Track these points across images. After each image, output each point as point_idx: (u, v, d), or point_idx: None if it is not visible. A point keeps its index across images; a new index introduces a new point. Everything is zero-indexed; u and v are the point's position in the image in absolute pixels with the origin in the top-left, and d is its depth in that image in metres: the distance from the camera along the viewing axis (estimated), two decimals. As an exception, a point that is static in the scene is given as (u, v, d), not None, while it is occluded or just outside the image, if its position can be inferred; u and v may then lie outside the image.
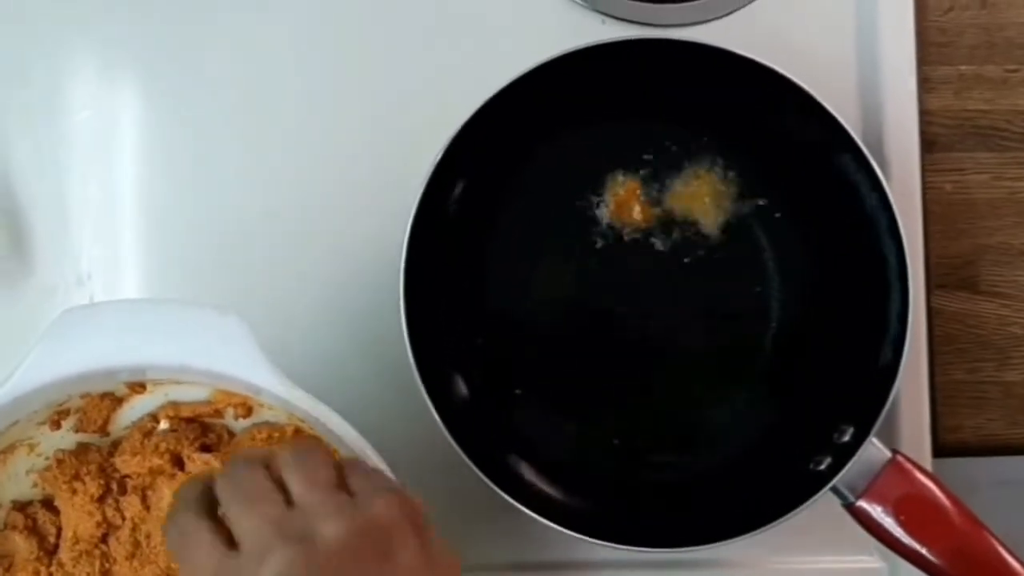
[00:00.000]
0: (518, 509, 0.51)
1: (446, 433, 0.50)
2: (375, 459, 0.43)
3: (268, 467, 0.38)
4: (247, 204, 0.58)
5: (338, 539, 0.35)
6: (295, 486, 0.37)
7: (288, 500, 0.36)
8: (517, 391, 0.56)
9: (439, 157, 0.51)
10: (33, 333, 0.56)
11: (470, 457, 0.50)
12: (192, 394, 0.47)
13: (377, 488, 0.38)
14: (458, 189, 0.53)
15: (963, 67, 0.61)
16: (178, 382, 0.47)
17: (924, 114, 0.59)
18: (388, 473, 0.43)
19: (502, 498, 0.51)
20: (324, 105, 0.58)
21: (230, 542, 0.36)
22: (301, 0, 0.59)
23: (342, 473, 0.38)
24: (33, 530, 0.47)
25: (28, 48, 0.58)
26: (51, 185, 0.58)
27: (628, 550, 0.50)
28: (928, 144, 0.60)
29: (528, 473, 0.55)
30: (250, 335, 0.43)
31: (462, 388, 0.55)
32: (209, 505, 0.37)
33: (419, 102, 0.58)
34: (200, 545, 0.36)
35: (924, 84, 0.60)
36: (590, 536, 0.51)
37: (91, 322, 0.43)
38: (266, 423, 0.48)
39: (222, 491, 0.37)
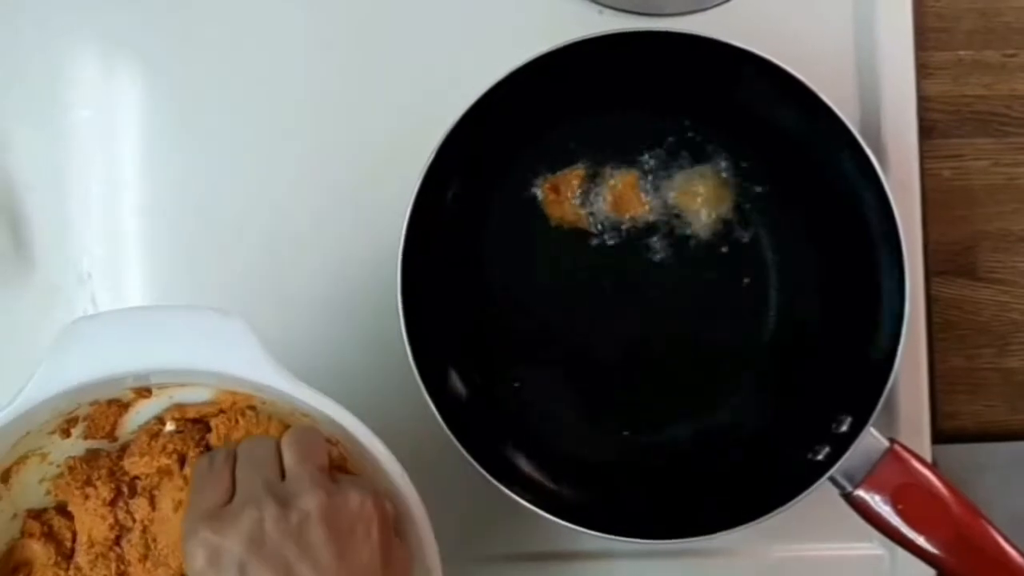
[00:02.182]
0: (516, 501, 0.51)
1: (445, 428, 0.51)
2: (383, 451, 0.45)
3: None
4: (246, 201, 0.58)
5: (310, 510, 0.40)
6: (288, 460, 0.42)
7: (283, 473, 0.42)
8: (516, 384, 0.56)
9: (434, 153, 0.51)
10: (35, 332, 0.57)
11: (469, 451, 0.50)
12: (196, 396, 0.48)
13: (356, 483, 0.43)
14: (455, 184, 0.53)
15: (961, 52, 0.61)
16: (182, 385, 0.47)
17: (922, 100, 0.59)
18: (396, 464, 0.45)
19: (500, 490, 0.51)
20: (323, 101, 0.58)
21: (232, 495, 0.42)
22: (299, 5, 0.58)
23: (331, 464, 0.44)
24: (49, 536, 0.48)
25: (28, 46, 0.58)
26: (52, 184, 0.58)
27: (627, 542, 0.51)
28: (926, 130, 0.60)
29: (527, 466, 0.55)
30: (253, 336, 0.44)
31: (459, 382, 0.55)
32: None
33: (415, 96, 0.58)
34: (214, 485, 0.42)
35: (922, 70, 0.60)
36: (589, 528, 0.51)
37: (95, 332, 0.44)
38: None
39: (240, 452, 0.43)
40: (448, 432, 0.51)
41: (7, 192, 0.58)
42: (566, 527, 0.51)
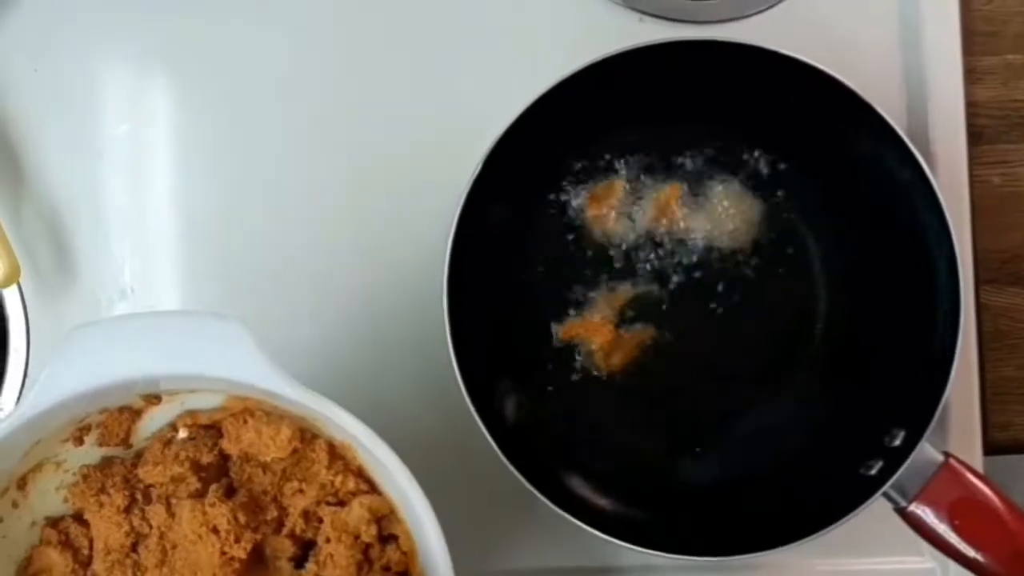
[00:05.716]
0: (563, 516, 0.51)
1: (493, 444, 0.50)
2: (387, 451, 0.43)
3: None
4: (285, 214, 0.58)
5: None
6: None
7: None
8: (549, 388, 0.55)
9: (478, 168, 0.51)
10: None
11: (518, 468, 0.50)
12: (207, 401, 0.48)
13: None
14: (498, 197, 0.52)
15: (1010, 56, 0.60)
16: (192, 391, 0.47)
17: (970, 106, 0.58)
18: (404, 469, 0.43)
19: (549, 506, 0.50)
20: (364, 115, 0.58)
21: None
22: (337, 14, 0.58)
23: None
24: (67, 544, 0.48)
25: (64, 63, 0.58)
26: (93, 198, 0.58)
27: (674, 558, 0.50)
28: (975, 136, 0.59)
29: (575, 482, 0.54)
30: (252, 339, 0.43)
31: (506, 397, 0.55)
32: None
33: (457, 111, 0.57)
34: None
35: (970, 75, 0.59)
36: (636, 544, 0.50)
37: (100, 338, 0.44)
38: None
39: None
40: (496, 448, 0.50)
41: (49, 207, 0.58)
42: (611, 542, 0.51)
